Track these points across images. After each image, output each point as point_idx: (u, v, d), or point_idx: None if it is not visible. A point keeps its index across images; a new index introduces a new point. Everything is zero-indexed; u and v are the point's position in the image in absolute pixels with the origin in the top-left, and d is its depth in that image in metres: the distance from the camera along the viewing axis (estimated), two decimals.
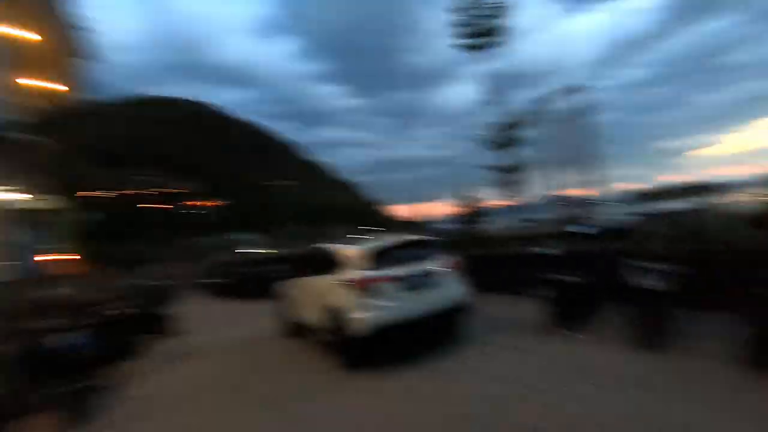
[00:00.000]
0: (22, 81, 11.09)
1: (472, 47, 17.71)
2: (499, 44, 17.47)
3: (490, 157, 17.62)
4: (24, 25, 9.44)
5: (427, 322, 5.14)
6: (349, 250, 5.49)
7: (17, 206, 8.89)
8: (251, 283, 14.45)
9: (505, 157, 17.27)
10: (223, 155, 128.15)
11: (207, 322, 10.65)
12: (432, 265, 5.36)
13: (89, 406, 4.75)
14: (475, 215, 18.03)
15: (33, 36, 9.75)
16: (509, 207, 17.28)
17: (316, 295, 5.89)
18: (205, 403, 4.74)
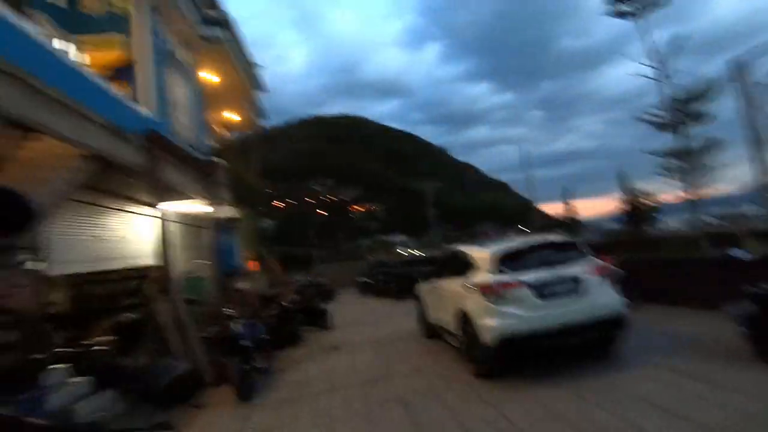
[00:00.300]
0: (212, 115, 13.89)
1: (630, 13, 15.19)
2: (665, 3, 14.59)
3: (666, 142, 14.74)
4: (212, 70, 11.81)
5: (570, 335, 4.51)
6: (479, 252, 5.23)
7: (216, 216, 11.04)
8: (397, 284, 15.09)
9: (686, 140, 14.21)
10: (380, 163, 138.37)
11: (357, 319, 11.48)
12: (578, 270, 4.69)
13: (253, 386, 5.56)
14: (642, 212, 15.25)
15: (217, 78, 12.13)
16: (691, 201, 14.11)
17: (448, 298, 5.77)
18: (342, 393, 5.08)
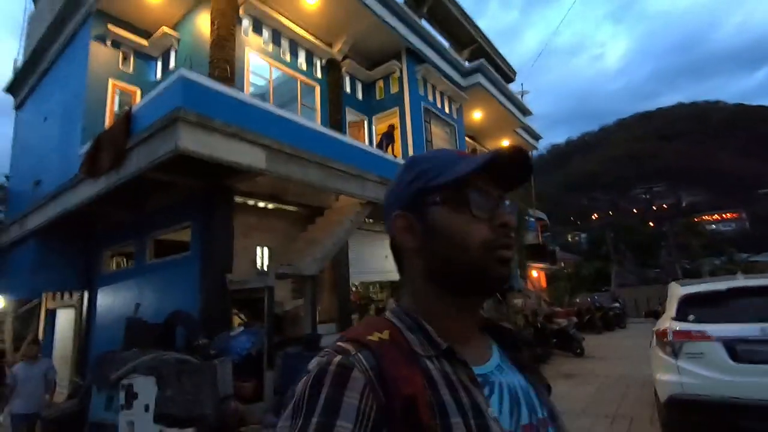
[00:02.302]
0: (483, 144, 15.58)
1: None
2: None
3: None
4: (475, 109, 13.55)
5: None
6: (676, 291, 4.37)
7: None
8: None
9: None
10: (739, 155, 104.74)
11: (624, 353, 10.23)
12: None
13: None
14: None
15: (480, 114, 13.77)
16: None
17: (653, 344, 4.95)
18: None
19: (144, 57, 9.56)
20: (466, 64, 14.27)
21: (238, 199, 7.77)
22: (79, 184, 7.64)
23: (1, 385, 8.39)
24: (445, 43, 15.56)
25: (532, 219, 16.46)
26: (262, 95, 9.03)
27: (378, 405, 0.51)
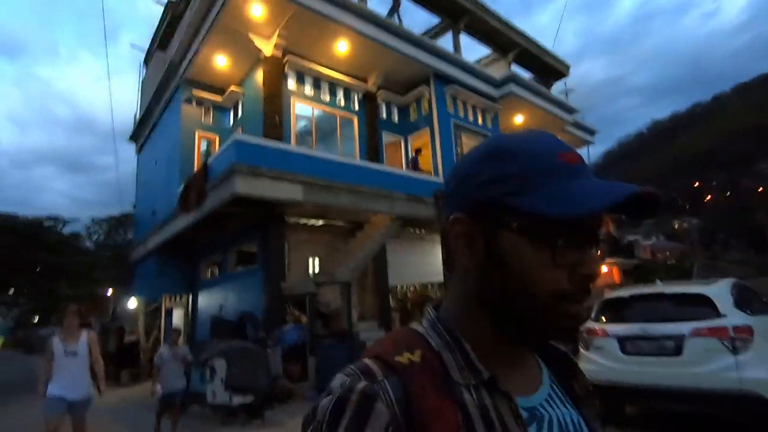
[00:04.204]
0: None
1: None
2: None
3: None
4: (514, 114, 14.09)
5: (674, 401, 4.01)
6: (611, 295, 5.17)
7: None
8: None
9: None
10: None
11: None
12: (683, 330, 4.03)
13: None
14: None
15: (521, 118, 14.28)
16: None
17: None
18: None
19: (219, 109, 12.07)
20: (512, 67, 14.89)
21: (292, 220, 9.70)
22: (178, 216, 10.22)
23: (136, 366, 11.49)
24: (487, 51, 16.31)
25: None
26: (307, 132, 10.92)
27: None
